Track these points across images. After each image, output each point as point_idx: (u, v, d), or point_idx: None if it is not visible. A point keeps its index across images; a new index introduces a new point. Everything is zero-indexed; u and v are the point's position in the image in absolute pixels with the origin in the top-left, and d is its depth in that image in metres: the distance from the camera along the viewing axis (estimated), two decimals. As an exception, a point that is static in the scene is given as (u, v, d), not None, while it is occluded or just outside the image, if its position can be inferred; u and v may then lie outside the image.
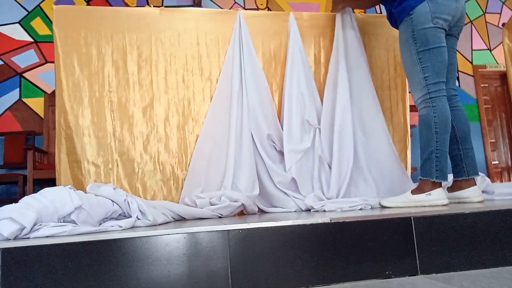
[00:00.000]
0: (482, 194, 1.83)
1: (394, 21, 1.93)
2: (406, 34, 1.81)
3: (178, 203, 1.98)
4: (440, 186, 1.73)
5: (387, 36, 2.44)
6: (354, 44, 2.27)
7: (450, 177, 1.89)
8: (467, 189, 1.80)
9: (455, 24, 1.84)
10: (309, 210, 1.98)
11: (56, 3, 3.90)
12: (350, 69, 2.24)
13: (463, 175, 1.84)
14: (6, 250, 1.06)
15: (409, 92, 2.12)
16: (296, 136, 2.13)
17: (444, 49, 1.77)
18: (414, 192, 1.75)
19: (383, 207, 1.81)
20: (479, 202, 1.75)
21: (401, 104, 2.43)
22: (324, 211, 1.84)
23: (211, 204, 1.85)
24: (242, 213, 1.99)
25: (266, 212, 2.02)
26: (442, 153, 1.73)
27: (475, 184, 1.82)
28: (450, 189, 1.87)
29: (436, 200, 1.67)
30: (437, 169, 1.72)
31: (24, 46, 4.21)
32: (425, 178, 1.74)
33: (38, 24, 4.28)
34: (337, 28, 2.29)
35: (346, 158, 2.12)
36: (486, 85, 5.50)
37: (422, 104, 1.79)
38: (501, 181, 5.27)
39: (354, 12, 2.35)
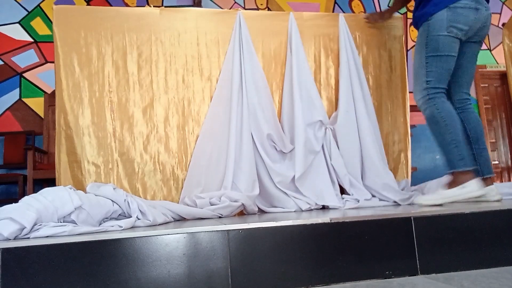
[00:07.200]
0: (500, 193, 1.80)
1: (416, 23, 1.96)
2: (421, 38, 1.86)
3: (178, 203, 1.98)
4: (473, 177, 1.72)
5: (387, 36, 2.44)
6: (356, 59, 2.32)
7: None
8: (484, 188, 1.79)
9: (475, 33, 1.86)
10: (310, 210, 1.99)
11: (56, 3, 3.90)
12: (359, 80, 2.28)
13: (478, 175, 1.83)
14: (6, 250, 1.06)
15: (410, 92, 2.12)
16: (309, 136, 2.13)
17: (452, 58, 1.81)
18: (448, 186, 1.74)
19: (420, 205, 1.74)
20: (496, 201, 1.73)
21: (401, 104, 2.43)
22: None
23: (211, 204, 1.85)
24: (242, 213, 1.99)
25: (266, 212, 2.02)
26: (458, 142, 1.74)
27: (492, 183, 1.83)
28: None
29: (470, 192, 1.66)
30: (460, 158, 1.73)
31: (24, 46, 4.20)
32: (453, 171, 1.75)
33: (38, 24, 4.27)
34: (341, 33, 2.32)
35: (355, 159, 2.16)
36: (486, 85, 5.49)
37: (423, 105, 1.83)
38: (501, 181, 5.27)
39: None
